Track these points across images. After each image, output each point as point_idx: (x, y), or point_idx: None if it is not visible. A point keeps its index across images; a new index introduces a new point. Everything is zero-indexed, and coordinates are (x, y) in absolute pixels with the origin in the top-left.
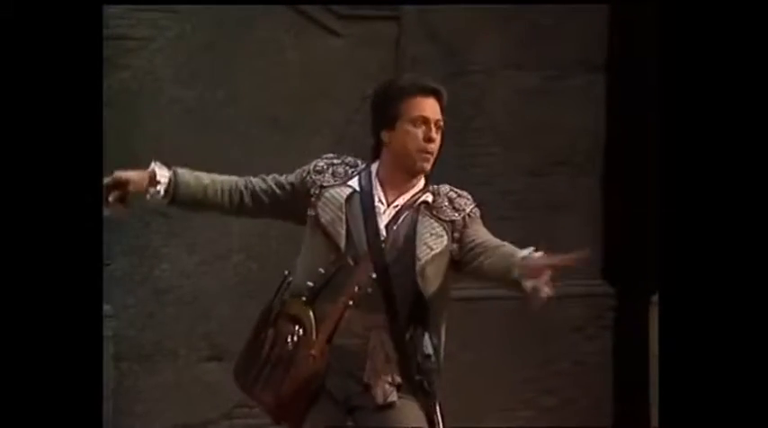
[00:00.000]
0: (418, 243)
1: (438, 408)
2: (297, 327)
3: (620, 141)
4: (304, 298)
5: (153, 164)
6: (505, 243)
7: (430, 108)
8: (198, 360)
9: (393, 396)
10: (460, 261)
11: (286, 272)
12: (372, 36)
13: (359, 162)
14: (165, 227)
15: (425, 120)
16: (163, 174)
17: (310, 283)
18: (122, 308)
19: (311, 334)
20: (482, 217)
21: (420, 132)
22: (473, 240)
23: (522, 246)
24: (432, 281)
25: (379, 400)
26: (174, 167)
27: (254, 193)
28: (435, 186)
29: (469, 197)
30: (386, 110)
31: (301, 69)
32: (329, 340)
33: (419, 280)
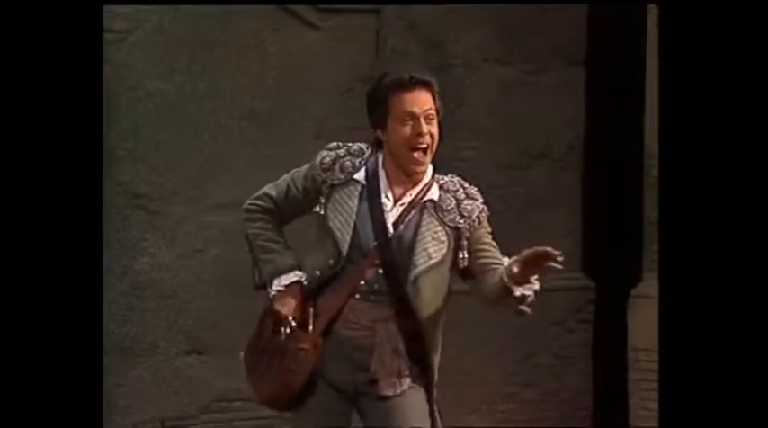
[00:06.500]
0: (418, 248)
1: (436, 406)
2: (291, 319)
3: (600, 135)
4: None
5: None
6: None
7: (416, 101)
8: (177, 353)
9: (399, 389)
10: (468, 268)
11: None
12: (352, 29)
13: (363, 148)
14: (145, 221)
15: (413, 115)
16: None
17: (317, 272)
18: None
19: (308, 325)
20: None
21: (409, 129)
22: (479, 251)
23: (501, 239)
24: (424, 292)
25: (385, 392)
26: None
27: (275, 213)
28: (444, 178)
29: (478, 196)
30: (376, 110)
31: (280, 62)
32: (325, 333)
33: (409, 288)
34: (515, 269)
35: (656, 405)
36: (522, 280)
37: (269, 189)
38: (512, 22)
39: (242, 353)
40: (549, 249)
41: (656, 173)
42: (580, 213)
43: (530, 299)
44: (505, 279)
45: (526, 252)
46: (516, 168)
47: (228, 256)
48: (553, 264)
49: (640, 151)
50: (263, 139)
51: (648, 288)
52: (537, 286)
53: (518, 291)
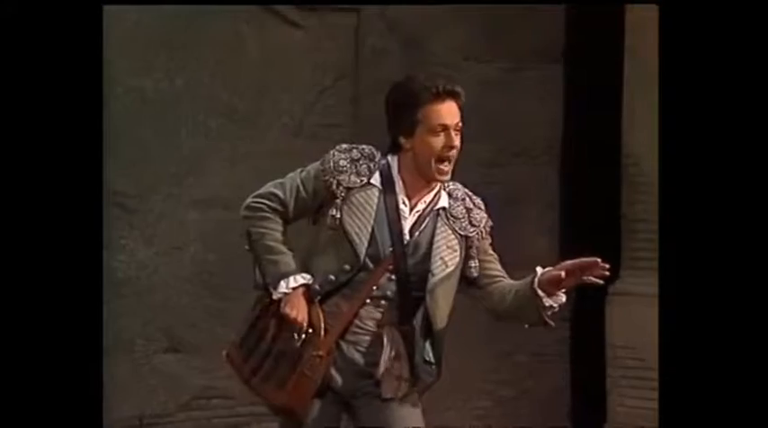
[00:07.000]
0: (434, 256)
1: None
2: (305, 326)
3: (578, 132)
4: (319, 298)
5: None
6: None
7: (448, 113)
8: (155, 351)
9: (400, 392)
10: (477, 279)
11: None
12: (332, 27)
13: (374, 151)
14: (123, 219)
15: (444, 128)
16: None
17: (332, 277)
18: None
19: (319, 333)
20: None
21: (440, 140)
22: (485, 261)
23: None
24: (441, 300)
25: (387, 395)
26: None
27: (284, 218)
28: (449, 185)
29: (482, 205)
30: (402, 117)
31: (260, 60)
32: (338, 339)
33: (428, 297)
34: (563, 275)
35: (633, 402)
36: (555, 290)
37: (275, 188)
38: (490, 21)
39: (224, 352)
40: (598, 259)
41: (632, 171)
42: (558, 210)
43: (554, 311)
44: (537, 287)
45: (572, 261)
46: (495, 165)
47: (206, 254)
48: (594, 279)
49: (618, 149)
50: (242, 137)
51: (626, 285)
52: (564, 299)
53: (548, 302)
